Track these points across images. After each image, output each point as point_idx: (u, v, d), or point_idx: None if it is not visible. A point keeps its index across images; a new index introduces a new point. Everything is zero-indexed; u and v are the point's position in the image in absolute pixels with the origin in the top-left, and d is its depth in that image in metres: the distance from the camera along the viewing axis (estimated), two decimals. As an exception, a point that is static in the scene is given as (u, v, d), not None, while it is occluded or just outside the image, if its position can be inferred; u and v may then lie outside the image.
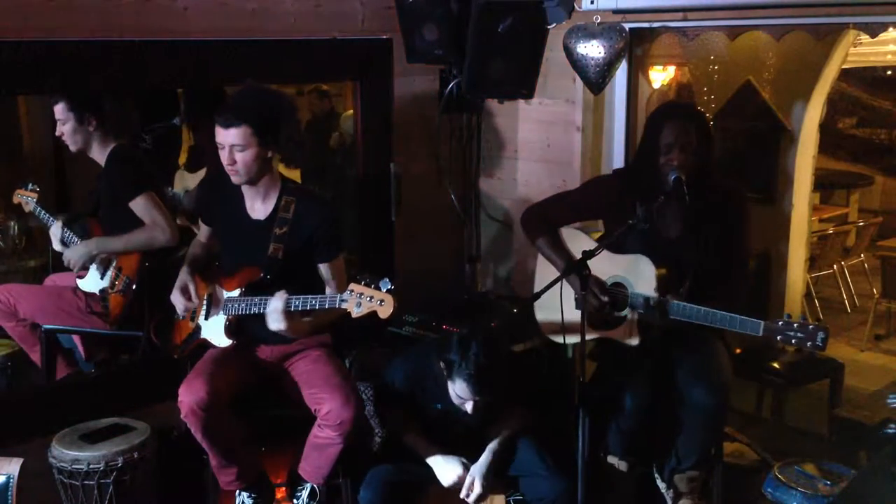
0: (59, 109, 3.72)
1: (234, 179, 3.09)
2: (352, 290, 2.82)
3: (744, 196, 3.36)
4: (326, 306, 2.92)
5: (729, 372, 3.31)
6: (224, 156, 3.03)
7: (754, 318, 2.97)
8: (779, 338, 2.91)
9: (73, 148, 3.80)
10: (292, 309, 2.94)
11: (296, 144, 3.18)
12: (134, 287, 3.71)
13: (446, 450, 3.20)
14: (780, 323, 2.90)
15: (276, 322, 2.97)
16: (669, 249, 3.27)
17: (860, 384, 4.96)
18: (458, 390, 3.05)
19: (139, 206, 3.65)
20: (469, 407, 3.06)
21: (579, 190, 3.70)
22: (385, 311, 2.78)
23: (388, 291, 2.78)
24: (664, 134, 3.19)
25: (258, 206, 3.19)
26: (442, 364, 3.08)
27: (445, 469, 3.14)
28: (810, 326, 2.86)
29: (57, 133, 3.77)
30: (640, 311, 3.23)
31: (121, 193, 3.68)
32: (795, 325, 2.87)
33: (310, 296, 2.95)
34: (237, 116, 2.98)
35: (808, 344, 2.87)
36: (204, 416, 2.98)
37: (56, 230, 3.83)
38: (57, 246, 3.85)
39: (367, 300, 2.80)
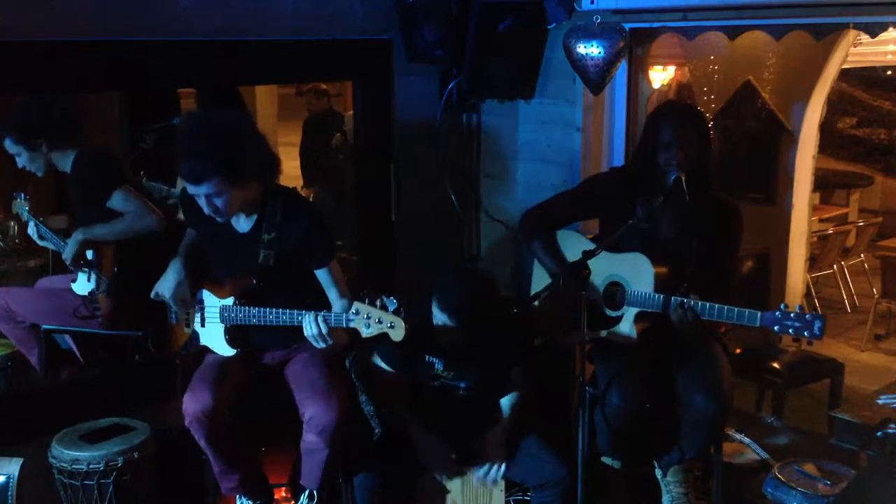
0: (9, 145, 3.65)
1: (220, 220, 3.00)
2: (357, 311, 2.80)
3: (741, 216, 3.36)
4: (332, 324, 2.91)
5: (730, 376, 3.31)
6: (202, 203, 2.93)
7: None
8: (776, 328, 2.90)
9: (39, 174, 3.73)
10: (332, 324, 2.90)
11: (268, 163, 3.08)
12: (112, 286, 3.69)
13: (443, 433, 3.21)
14: (777, 313, 2.90)
15: (323, 342, 2.93)
16: (668, 249, 3.27)
17: (860, 384, 4.96)
18: (435, 314, 3.08)
19: (117, 201, 3.62)
20: (446, 336, 3.09)
21: (578, 188, 3.70)
22: (397, 335, 2.77)
23: (396, 312, 2.76)
24: (664, 132, 3.20)
25: (243, 219, 3.11)
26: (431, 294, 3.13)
27: (433, 451, 3.15)
28: (807, 316, 2.86)
29: (19, 166, 3.70)
30: (638, 310, 3.23)
31: (94, 197, 3.65)
32: (792, 314, 2.87)
33: (327, 313, 2.94)
34: (204, 169, 2.83)
35: (806, 333, 2.86)
36: (209, 424, 2.96)
37: (31, 229, 3.85)
38: (39, 241, 3.87)
39: (375, 322, 2.77)
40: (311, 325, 2.91)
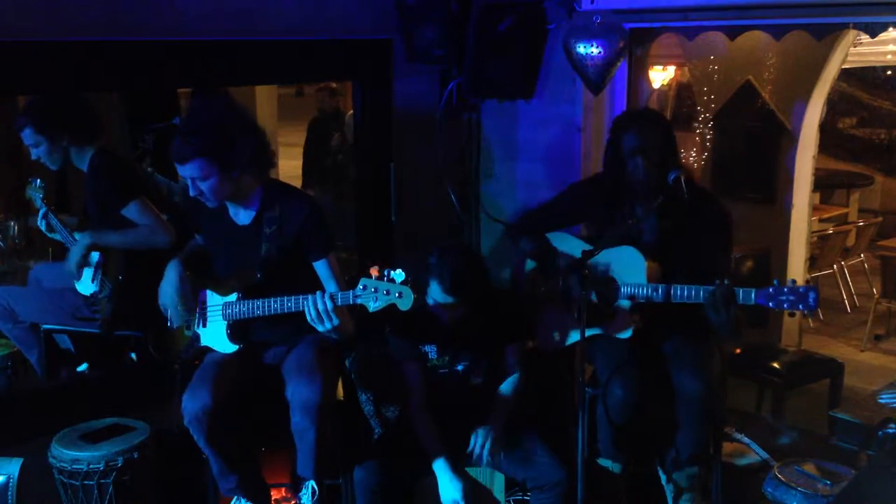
0: (28, 134, 3.60)
1: (208, 205, 3.03)
2: (364, 286, 2.78)
3: (731, 217, 3.37)
4: (339, 303, 2.88)
5: (718, 362, 3.33)
6: (189, 186, 2.97)
7: (756, 315, 2.98)
8: (771, 304, 2.91)
9: (54, 167, 3.69)
10: (339, 303, 2.87)
11: (262, 157, 3.08)
12: (115, 292, 3.68)
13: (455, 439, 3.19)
14: (771, 289, 2.91)
15: (328, 322, 2.89)
16: (657, 251, 3.28)
17: (860, 384, 4.97)
18: (433, 293, 3.10)
19: (132, 212, 3.59)
20: (444, 313, 3.11)
21: (558, 196, 3.70)
22: (406, 303, 2.74)
23: (405, 282, 2.74)
24: (626, 141, 3.24)
25: (242, 212, 3.12)
26: (424, 275, 3.14)
27: (447, 487, 3.11)
28: (800, 288, 2.87)
29: (32, 157, 3.66)
30: (635, 301, 3.23)
31: (110, 203, 3.62)
32: (786, 288, 2.88)
33: (332, 291, 2.93)
34: (190, 150, 2.87)
35: (801, 306, 2.87)
36: (208, 423, 2.96)
37: (41, 219, 3.81)
38: (48, 233, 3.84)
39: (383, 294, 2.75)
40: (317, 304, 2.87)
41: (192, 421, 2.97)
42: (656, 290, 3.15)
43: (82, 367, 3.99)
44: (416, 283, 3.13)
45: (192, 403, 2.96)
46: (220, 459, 3.09)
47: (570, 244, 3.48)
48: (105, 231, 3.66)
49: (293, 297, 2.96)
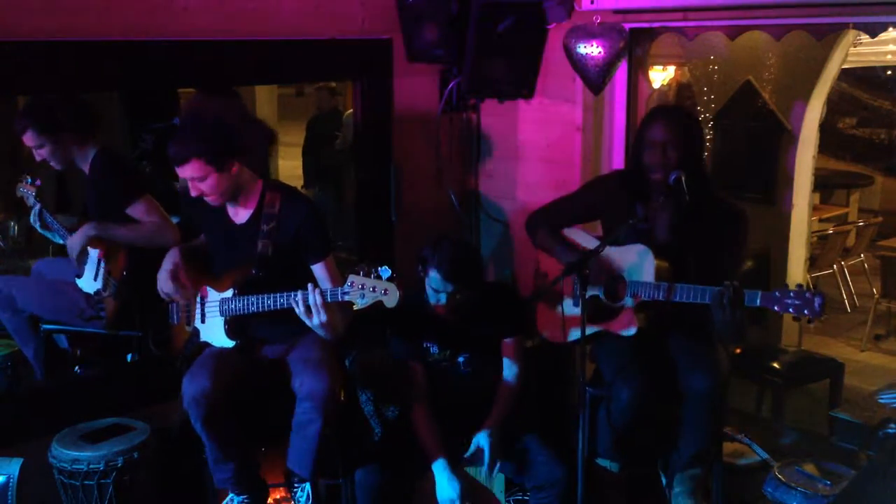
0: (30, 137, 3.60)
1: (212, 203, 3.06)
2: (352, 283, 2.80)
3: (747, 222, 3.35)
4: (329, 300, 2.90)
5: (725, 360, 3.34)
6: (189, 187, 3.00)
7: (755, 314, 2.99)
8: (776, 307, 2.90)
9: (59, 167, 3.70)
10: (328, 299, 2.89)
11: (260, 152, 3.10)
12: (120, 289, 3.66)
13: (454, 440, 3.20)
14: (777, 292, 2.90)
15: (316, 316, 2.91)
16: (667, 247, 3.28)
17: (860, 384, 4.97)
18: (433, 283, 3.11)
19: (137, 211, 3.60)
20: (444, 300, 3.11)
21: (580, 191, 3.71)
22: (391, 300, 2.77)
23: (390, 279, 2.76)
24: (647, 133, 3.26)
25: (241, 211, 3.15)
26: (419, 267, 3.17)
27: (444, 486, 3.12)
28: (806, 294, 2.86)
29: (38, 159, 3.67)
30: (641, 299, 3.23)
31: (114, 201, 3.62)
32: (792, 292, 2.87)
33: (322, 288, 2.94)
34: (185, 151, 2.92)
35: (806, 311, 2.85)
36: (206, 405, 2.97)
37: (34, 216, 3.80)
38: (40, 229, 3.84)
39: (369, 291, 2.77)
40: (306, 298, 2.90)
41: (191, 402, 2.98)
42: (658, 289, 3.15)
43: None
44: (415, 277, 3.15)
45: (192, 386, 2.98)
46: (216, 445, 3.08)
47: (583, 241, 3.48)
48: (110, 225, 3.65)
49: (285, 294, 2.98)
